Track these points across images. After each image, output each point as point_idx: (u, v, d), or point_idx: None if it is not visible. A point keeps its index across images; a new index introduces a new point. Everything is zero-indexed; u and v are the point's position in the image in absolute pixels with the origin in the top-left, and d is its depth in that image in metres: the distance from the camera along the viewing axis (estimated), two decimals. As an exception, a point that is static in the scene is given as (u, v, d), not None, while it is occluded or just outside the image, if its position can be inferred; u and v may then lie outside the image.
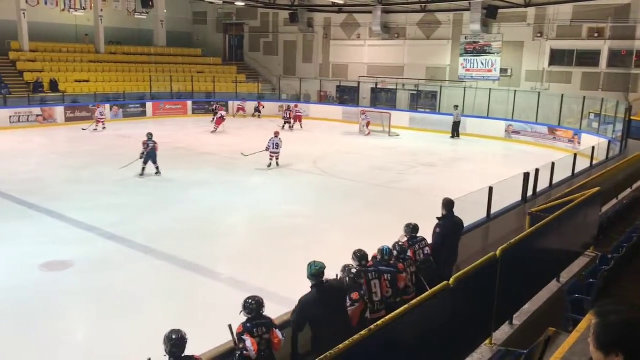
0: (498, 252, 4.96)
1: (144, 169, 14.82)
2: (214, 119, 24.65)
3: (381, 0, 29.02)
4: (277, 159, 16.74)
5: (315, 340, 4.75)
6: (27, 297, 7.67)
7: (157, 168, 14.97)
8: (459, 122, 24.70)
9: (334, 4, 29.80)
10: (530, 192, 10.20)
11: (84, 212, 11.50)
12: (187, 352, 4.05)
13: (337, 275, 5.32)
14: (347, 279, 5.30)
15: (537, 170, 10.43)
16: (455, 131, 24.64)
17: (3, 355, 6.20)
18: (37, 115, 23.93)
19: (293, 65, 34.64)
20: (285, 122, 25.56)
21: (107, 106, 25.50)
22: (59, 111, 24.65)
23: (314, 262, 4.81)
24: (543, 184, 10.89)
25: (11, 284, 8.11)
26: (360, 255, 5.60)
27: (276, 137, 16.91)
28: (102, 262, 9.02)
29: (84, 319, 7.44)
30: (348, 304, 5.05)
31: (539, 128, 23.38)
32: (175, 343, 3.90)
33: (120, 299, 7.71)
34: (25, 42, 27.49)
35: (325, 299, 4.74)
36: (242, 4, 32.07)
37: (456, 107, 25.23)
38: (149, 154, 14.74)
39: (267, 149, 16.49)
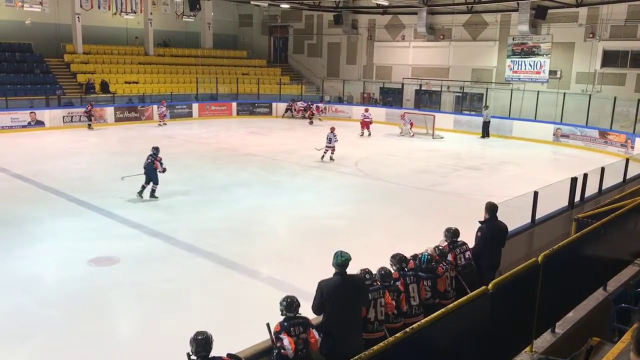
0: (540, 258, 4.84)
1: (143, 187, 12.72)
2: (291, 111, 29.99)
3: (426, 2, 28.75)
4: (332, 152, 17.87)
5: (325, 335, 4.62)
6: (76, 290, 7.98)
7: (153, 191, 12.69)
8: (489, 122, 24.52)
9: (379, 6, 29.70)
10: (577, 198, 9.89)
11: (130, 209, 11.87)
12: (226, 348, 4.13)
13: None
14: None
15: (585, 175, 10.11)
16: (485, 131, 24.46)
17: (53, 345, 6.47)
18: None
19: (336, 67, 34.71)
20: (307, 118, 27.27)
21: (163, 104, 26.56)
22: (109, 111, 25.50)
23: (341, 252, 4.78)
24: (592, 189, 10.54)
25: (61, 278, 8.47)
26: (398, 258, 5.57)
27: (331, 132, 17.98)
28: (147, 258, 9.29)
29: (129, 313, 7.68)
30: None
31: (589, 132, 22.64)
32: (200, 343, 3.92)
33: (164, 295, 7.92)
34: (79, 45, 28.56)
35: (345, 287, 4.70)
36: (287, 6, 32.37)
37: (486, 107, 24.97)
38: (146, 170, 12.67)
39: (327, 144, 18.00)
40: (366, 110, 25.17)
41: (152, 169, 12.59)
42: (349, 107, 30.50)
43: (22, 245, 9.61)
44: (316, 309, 4.74)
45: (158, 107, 26.01)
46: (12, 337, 6.65)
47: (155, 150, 12.83)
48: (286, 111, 30.11)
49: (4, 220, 11.01)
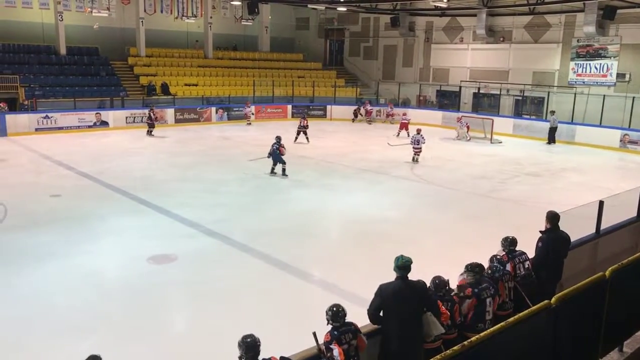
0: (608, 273, 4.60)
1: (272, 168, 15.69)
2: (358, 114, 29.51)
3: (486, 3, 28.09)
4: (417, 154, 18.07)
5: (384, 342, 4.55)
6: (135, 287, 8.24)
7: (283, 170, 15.64)
8: (556, 127, 23.66)
9: (437, 8, 29.26)
10: (647, 209, 9.37)
11: (188, 209, 12.15)
12: (277, 351, 4.13)
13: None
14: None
15: (656, 185, 9.57)
16: (551, 137, 23.68)
17: (112, 339, 6.69)
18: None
19: (392, 70, 34.45)
20: (298, 133, 21.81)
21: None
22: (170, 113, 26.26)
23: (402, 255, 4.71)
24: (663, 199, 9.96)
25: (122, 274, 8.76)
26: (478, 269, 5.40)
27: (418, 133, 18.23)
28: (203, 257, 9.48)
29: (184, 311, 7.84)
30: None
31: (660, 138, 21.49)
32: (249, 347, 3.94)
33: (218, 294, 8.05)
34: (142, 48, 29.67)
35: (406, 292, 4.59)
36: (344, 9, 32.41)
37: (552, 112, 24.04)
38: (273, 155, 15.53)
39: (411, 143, 18.35)
40: (404, 114, 26.27)
41: (278, 154, 15.41)
42: (404, 110, 30.18)
43: (87, 241, 10.02)
44: (373, 311, 4.64)
45: (245, 109, 27.30)
46: (76, 329, 6.92)
47: (279, 138, 15.60)
48: (356, 116, 29.71)
49: (71, 216, 11.52)
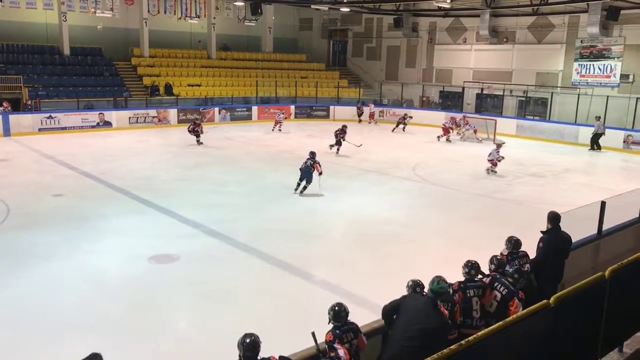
0: (607, 273, 4.59)
1: (298, 184, 13.68)
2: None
3: (490, 4, 28.05)
4: (493, 166, 16.94)
5: (384, 345, 4.50)
6: (136, 286, 8.26)
7: (304, 188, 13.59)
8: (601, 134, 22.27)
9: (440, 8, 29.24)
10: (649, 209, 9.34)
11: (191, 209, 12.16)
12: (278, 350, 4.13)
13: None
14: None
15: (658, 185, 9.55)
16: (595, 142, 22.48)
17: (113, 339, 6.70)
18: (153, 117, 25.72)
19: (395, 71, 34.44)
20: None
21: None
22: (173, 113, 26.33)
23: (439, 279, 4.52)
24: (665, 200, 9.93)
25: (123, 274, 8.78)
26: (470, 265, 5.40)
27: (497, 148, 17.25)
28: (205, 257, 9.49)
29: (185, 310, 7.85)
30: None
31: (664, 139, 21.40)
32: (248, 347, 3.92)
33: (220, 294, 8.06)
34: (145, 49, 29.73)
35: (427, 313, 4.35)
36: (347, 10, 32.42)
37: (598, 117, 22.75)
38: (304, 172, 13.60)
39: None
40: (454, 118, 24.94)
41: (310, 172, 13.56)
42: (407, 110, 30.17)
43: (88, 241, 10.04)
44: (388, 308, 4.56)
45: (277, 115, 26.09)
46: (76, 328, 6.93)
47: (313, 154, 13.78)
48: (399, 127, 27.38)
49: (73, 216, 11.54)
